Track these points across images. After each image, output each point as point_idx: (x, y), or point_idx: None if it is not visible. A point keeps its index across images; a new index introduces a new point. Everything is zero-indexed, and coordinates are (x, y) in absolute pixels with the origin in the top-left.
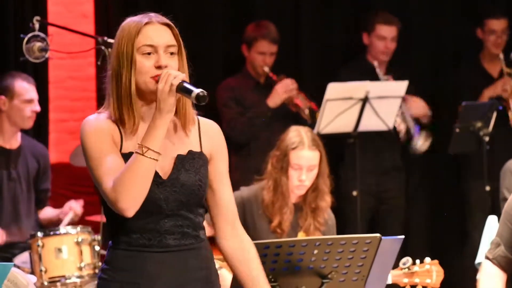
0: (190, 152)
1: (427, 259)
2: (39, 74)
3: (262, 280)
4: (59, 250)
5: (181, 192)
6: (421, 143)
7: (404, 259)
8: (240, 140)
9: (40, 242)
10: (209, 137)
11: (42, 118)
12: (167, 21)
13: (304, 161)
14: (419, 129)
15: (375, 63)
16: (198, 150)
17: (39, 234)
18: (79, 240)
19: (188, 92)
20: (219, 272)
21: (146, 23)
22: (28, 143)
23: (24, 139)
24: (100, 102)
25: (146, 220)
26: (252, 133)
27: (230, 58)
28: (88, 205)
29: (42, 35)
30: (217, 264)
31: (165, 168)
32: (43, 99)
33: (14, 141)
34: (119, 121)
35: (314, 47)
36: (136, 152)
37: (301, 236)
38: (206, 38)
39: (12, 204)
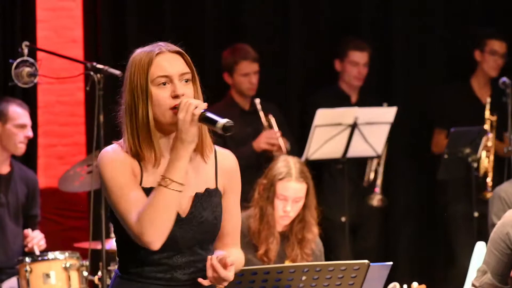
0: (207, 190)
1: (415, 284)
2: (28, 99)
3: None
4: (47, 275)
5: (198, 230)
6: (376, 202)
7: (391, 285)
8: None
9: (28, 268)
10: (225, 171)
11: (31, 143)
12: (178, 48)
13: (290, 192)
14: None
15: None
16: (213, 186)
17: (27, 259)
18: (67, 265)
19: (213, 122)
20: None
21: (157, 54)
22: (18, 169)
23: (15, 165)
24: (89, 127)
25: (160, 254)
26: None
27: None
28: (76, 231)
29: (31, 60)
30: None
31: (183, 205)
32: (32, 124)
33: (4, 167)
34: (138, 156)
35: (304, 65)
36: (160, 185)
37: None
38: (197, 63)
39: None
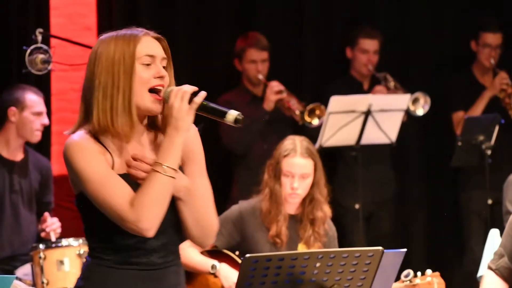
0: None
1: (428, 271)
2: (41, 86)
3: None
4: (61, 262)
5: (171, 211)
6: (420, 107)
7: (405, 272)
8: (237, 150)
9: (42, 254)
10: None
11: (44, 130)
12: (158, 35)
13: (296, 168)
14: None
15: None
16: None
17: (41, 246)
18: (81, 252)
19: (220, 113)
20: (219, 266)
21: (144, 34)
22: (32, 156)
23: (28, 152)
24: None
25: (136, 238)
26: (249, 143)
27: (230, 72)
28: None
29: (44, 47)
30: (215, 261)
31: None
32: (45, 111)
33: (18, 154)
34: (104, 134)
35: (316, 57)
36: (155, 171)
37: (301, 247)
38: (208, 52)
39: (13, 216)
